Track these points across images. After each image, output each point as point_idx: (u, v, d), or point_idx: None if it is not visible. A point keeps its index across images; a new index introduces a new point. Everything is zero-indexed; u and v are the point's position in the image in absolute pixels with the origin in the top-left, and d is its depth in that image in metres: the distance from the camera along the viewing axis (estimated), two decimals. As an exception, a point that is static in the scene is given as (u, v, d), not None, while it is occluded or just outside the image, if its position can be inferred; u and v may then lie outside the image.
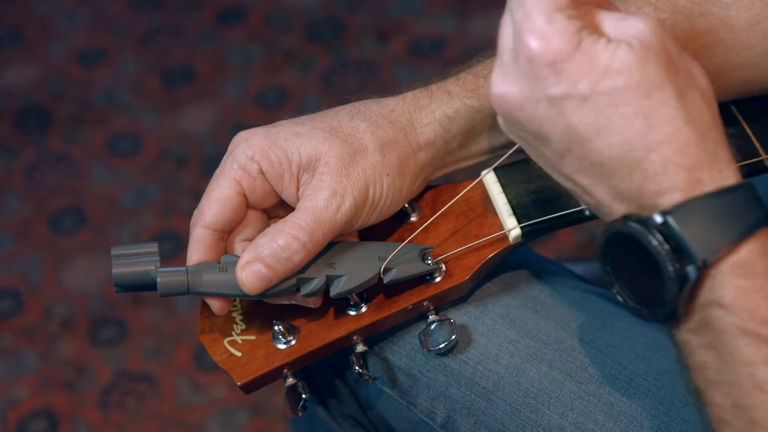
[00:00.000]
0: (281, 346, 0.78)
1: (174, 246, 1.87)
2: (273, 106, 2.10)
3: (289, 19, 2.25)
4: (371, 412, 0.87)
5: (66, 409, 1.69)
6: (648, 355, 0.82)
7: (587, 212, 0.79)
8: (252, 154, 0.78)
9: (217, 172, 0.80)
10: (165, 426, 1.67)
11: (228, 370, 0.78)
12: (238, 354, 0.78)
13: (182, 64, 2.19)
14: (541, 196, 0.80)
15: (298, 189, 0.78)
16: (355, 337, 0.79)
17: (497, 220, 0.81)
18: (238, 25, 2.26)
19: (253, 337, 0.79)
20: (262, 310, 0.80)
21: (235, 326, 0.80)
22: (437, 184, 0.86)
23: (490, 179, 0.82)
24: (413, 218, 0.83)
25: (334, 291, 0.76)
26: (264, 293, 0.75)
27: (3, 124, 2.12)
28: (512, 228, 0.80)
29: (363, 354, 0.79)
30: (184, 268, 0.76)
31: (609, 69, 0.62)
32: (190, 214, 0.81)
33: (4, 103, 2.15)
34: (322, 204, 0.76)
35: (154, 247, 0.77)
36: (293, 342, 0.78)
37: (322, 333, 0.78)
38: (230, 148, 0.80)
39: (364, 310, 0.79)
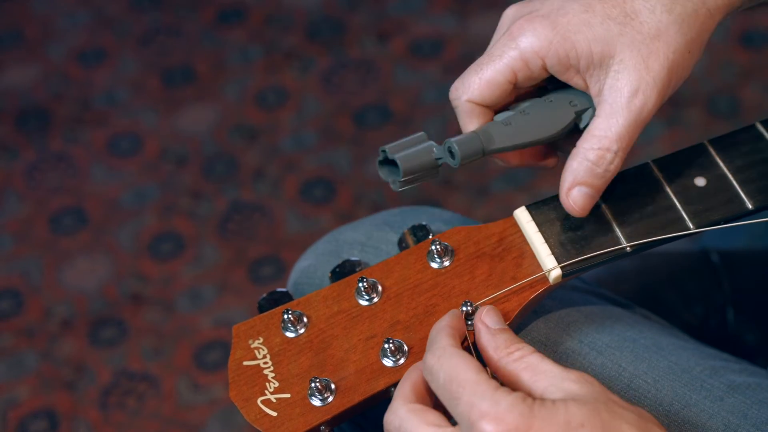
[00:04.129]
0: (317, 403, 0.74)
1: (174, 246, 1.88)
2: (273, 106, 2.10)
3: (289, 19, 2.25)
4: (371, 414, 0.87)
5: (66, 409, 1.69)
6: (648, 356, 0.82)
7: (628, 249, 0.77)
8: (538, 49, 0.74)
9: (495, 50, 0.76)
10: (165, 426, 1.67)
11: (264, 431, 0.74)
12: (274, 414, 0.74)
13: (182, 64, 2.19)
14: (579, 233, 0.78)
15: (585, 82, 0.76)
16: (393, 389, 0.75)
17: (535, 261, 0.78)
18: (238, 25, 2.26)
19: (287, 395, 0.75)
20: (295, 366, 0.77)
21: (268, 384, 0.76)
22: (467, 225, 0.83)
23: (523, 218, 0.79)
24: (446, 263, 0.79)
25: (584, 123, 0.77)
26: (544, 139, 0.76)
27: (3, 124, 2.12)
28: (552, 268, 0.77)
29: None
30: (474, 133, 0.75)
31: (570, 424, 0.63)
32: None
33: (4, 103, 2.15)
34: (623, 105, 0.73)
35: (422, 134, 0.77)
36: (330, 399, 0.74)
37: (361, 387, 0.75)
38: (513, 29, 0.76)
39: (402, 362, 0.75)
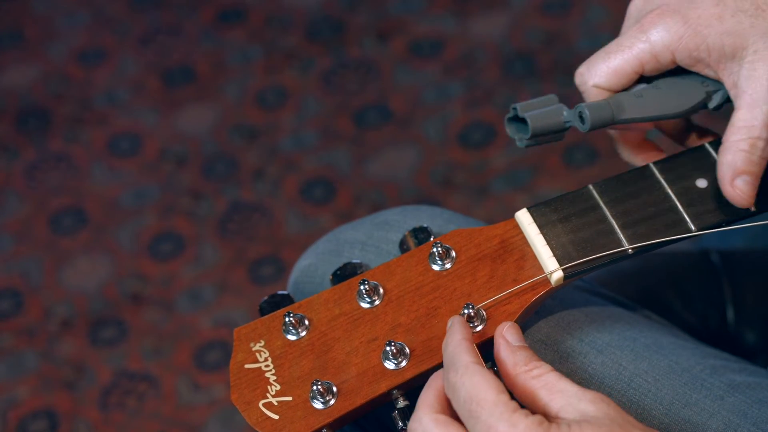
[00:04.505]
0: (319, 406, 0.74)
1: (174, 246, 1.88)
2: (273, 106, 2.10)
3: (289, 19, 2.25)
4: (372, 414, 0.87)
5: (66, 409, 1.69)
6: (648, 355, 0.82)
7: (630, 251, 0.77)
8: (669, 43, 0.76)
9: (624, 41, 0.78)
10: (165, 426, 1.67)
11: None
12: (275, 417, 0.74)
13: (182, 64, 2.19)
14: (581, 234, 0.78)
15: (716, 74, 0.77)
16: (395, 392, 0.76)
17: (536, 263, 0.78)
18: (238, 25, 2.26)
19: (289, 398, 0.75)
20: (297, 369, 0.77)
21: (269, 387, 0.76)
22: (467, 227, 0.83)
23: (525, 220, 0.79)
24: (447, 265, 0.78)
25: (713, 103, 0.80)
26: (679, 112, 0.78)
27: (3, 124, 2.12)
28: (554, 270, 0.77)
29: (405, 409, 0.75)
30: (604, 101, 0.78)
31: None
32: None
33: (4, 103, 2.15)
34: (765, 94, 0.74)
35: (552, 96, 0.80)
36: (332, 401, 0.74)
37: (363, 390, 0.75)
38: (644, 22, 0.78)
39: (404, 364, 0.75)
